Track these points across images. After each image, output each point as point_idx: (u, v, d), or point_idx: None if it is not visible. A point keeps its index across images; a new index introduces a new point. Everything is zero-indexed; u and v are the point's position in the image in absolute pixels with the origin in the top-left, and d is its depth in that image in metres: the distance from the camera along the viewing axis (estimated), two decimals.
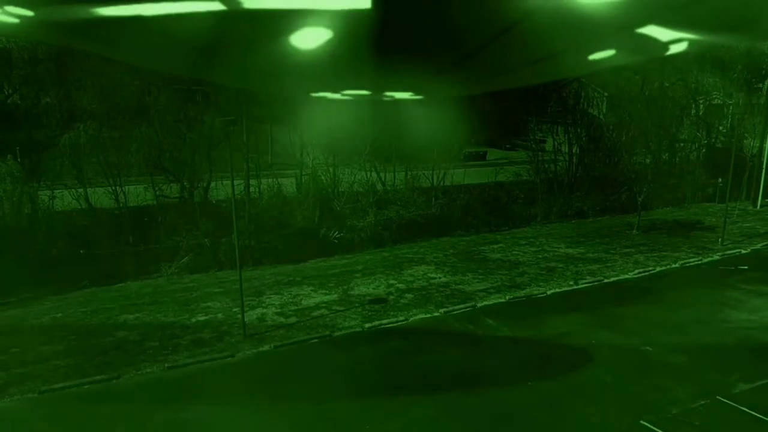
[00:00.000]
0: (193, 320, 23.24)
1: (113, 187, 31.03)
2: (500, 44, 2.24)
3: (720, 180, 38.88)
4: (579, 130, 44.77)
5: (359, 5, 1.84)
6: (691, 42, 2.60)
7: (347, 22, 1.97)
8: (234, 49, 2.37)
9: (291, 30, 2.11)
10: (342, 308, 24.57)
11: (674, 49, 2.63)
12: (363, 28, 1.97)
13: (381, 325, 23.14)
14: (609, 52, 2.58)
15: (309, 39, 2.18)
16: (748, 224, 39.15)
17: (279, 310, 24.26)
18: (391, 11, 1.90)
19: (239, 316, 22.07)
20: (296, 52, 2.30)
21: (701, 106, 50.29)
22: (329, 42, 2.15)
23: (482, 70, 2.71)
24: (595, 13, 1.90)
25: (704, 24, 2.26)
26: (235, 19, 1.97)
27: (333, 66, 2.49)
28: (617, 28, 2.18)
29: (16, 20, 2.30)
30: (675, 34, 2.31)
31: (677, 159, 47.30)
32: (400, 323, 23.42)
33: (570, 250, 33.28)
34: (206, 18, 1.95)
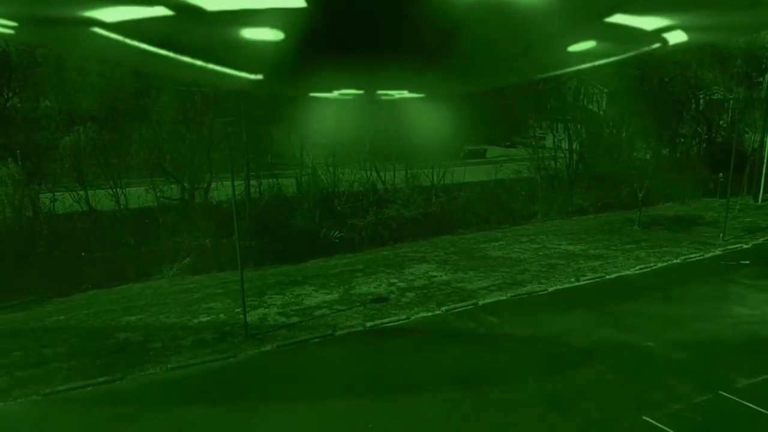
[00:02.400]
0: (195, 321, 23.28)
1: (114, 189, 31.06)
2: (462, 40, 2.21)
3: (721, 175, 38.78)
4: (579, 126, 44.72)
5: (294, 4, 1.84)
6: (687, 30, 2.55)
7: (284, 21, 1.98)
8: (184, 48, 2.38)
9: (230, 28, 2.12)
10: (343, 308, 24.59)
11: (672, 39, 2.57)
12: (301, 27, 1.97)
13: (382, 324, 23.16)
14: (589, 44, 2.54)
15: (252, 38, 2.19)
16: (749, 219, 39.14)
17: (281, 310, 24.29)
18: (327, 9, 1.90)
19: (241, 316, 22.10)
20: (244, 49, 2.32)
21: (701, 100, 50.20)
22: (274, 42, 2.15)
23: (459, 67, 2.68)
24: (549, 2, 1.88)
25: (673, 10, 2.23)
26: (180, 20, 1.97)
27: (284, 64, 2.48)
28: (584, 17, 2.16)
29: None
30: (653, 21, 2.28)
31: (678, 154, 47.23)
32: (401, 322, 23.44)
33: (571, 247, 33.27)
34: (157, 21, 1.96)
